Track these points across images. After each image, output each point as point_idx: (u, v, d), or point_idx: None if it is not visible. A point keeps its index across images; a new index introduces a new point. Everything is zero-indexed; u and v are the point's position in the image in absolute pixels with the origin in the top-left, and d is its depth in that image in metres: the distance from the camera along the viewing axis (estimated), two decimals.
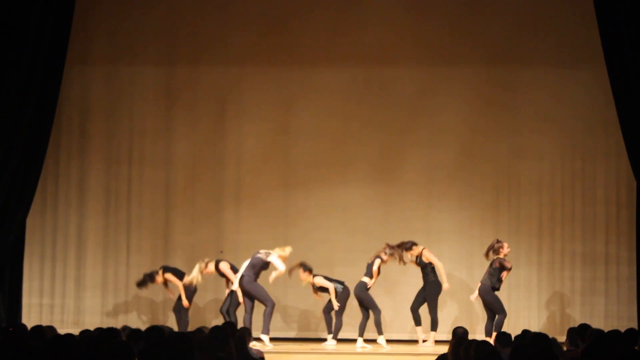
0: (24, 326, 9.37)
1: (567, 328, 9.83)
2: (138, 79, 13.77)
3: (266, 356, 8.88)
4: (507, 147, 13.59)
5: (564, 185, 13.56)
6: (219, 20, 13.75)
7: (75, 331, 8.29)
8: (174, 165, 13.75)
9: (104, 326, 9.46)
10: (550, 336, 7.84)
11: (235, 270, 12.34)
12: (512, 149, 13.59)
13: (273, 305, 12.17)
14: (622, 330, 8.87)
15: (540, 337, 7.46)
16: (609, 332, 8.32)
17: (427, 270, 12.42)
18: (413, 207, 13.51)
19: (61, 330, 8.53)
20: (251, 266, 12.19)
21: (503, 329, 11.28)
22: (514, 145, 13.58)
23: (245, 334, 8.28)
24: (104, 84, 13.76)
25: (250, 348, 8.20)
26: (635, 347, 7.80)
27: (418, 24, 13.63)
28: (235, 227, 13.61)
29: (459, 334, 8.47)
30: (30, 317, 13.06)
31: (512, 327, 11.81)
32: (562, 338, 9.61)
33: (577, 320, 12.70)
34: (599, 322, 12.80)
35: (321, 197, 13.57)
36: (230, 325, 9.12)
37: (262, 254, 12.24)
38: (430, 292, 12.34)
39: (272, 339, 12.16)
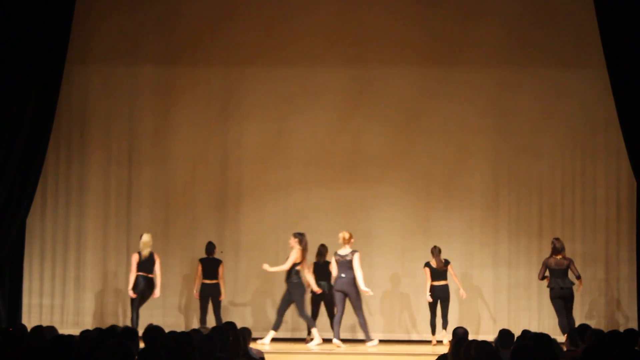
0: (24, 326, 9.35)
1: None
2: (138, 79, 13.77)
3: (266, 356, 8.88)
4: (507, 146, 13.59)
5: (564, 185, 13.56)
6: (219, 20, 13.75)
7: (75, 331, 8.29)
8: (174, 165, 13.74)
9: (104, 326, 9.46)
10: (551, 336, 7.82)
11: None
12: (512, 149, 13.59)
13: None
14: (622, 330, 8.87)
15: (540, 337, 7.45)
16: (609, 332, 8.31)
17: (292, 272, 12.28)
18: (413, 206, 13.50)
19: (61, 331, 8.51)
20: (346, 268, 12.26)
21: (505, 329, 11.26)
22: (514, 145, 13.58)
23: (246, 334, 8.27)
24: (103, 83, 13.76)
25: (251, 348, 8.20)
26: (636, 348, 7.79)
27: (419, 24, 13.62)
28: (236, 227, 13.60)
29: (459, 335, 8.46)
30: (30, 317, 13.08)
31: (512, 327, 11.78)
32: (562, 338, 9.60)
33: (577, 320, 12.70)
34: (599, 322, 12.82)
35: (321, 197, 13.56)
36: (230, 325, 9.12)
37: (343, 256, 12.31)
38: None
39: (272, 340, 12.18)
